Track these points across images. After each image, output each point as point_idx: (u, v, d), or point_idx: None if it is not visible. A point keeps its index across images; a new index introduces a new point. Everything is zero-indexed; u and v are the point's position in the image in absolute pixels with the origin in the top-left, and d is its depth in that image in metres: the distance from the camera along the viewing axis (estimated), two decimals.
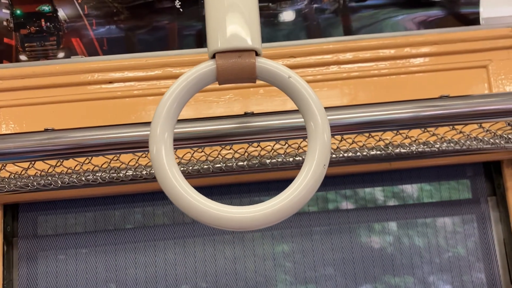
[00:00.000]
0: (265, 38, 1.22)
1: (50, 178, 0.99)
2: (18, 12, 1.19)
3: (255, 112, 1.18)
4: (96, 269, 1.21)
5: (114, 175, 1.00)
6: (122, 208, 1.24)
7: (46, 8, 1.19)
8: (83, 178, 1.01)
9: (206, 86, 0.57)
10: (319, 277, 1.21)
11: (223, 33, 0.55)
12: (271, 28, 1.22)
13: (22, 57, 1.19)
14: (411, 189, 1.26)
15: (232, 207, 0.53)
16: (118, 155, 0.95)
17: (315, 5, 1.21)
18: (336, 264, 1.21)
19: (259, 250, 1.21)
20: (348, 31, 1.22)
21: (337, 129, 0.81)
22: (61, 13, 1.19)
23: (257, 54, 0.57)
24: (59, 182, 1.00)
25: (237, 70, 0.55)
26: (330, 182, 1.25)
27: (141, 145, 0.79)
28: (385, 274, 1.21)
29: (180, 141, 0.79)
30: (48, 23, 1.19)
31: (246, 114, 0.80)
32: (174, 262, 1.21)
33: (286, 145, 0.98)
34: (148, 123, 0.79)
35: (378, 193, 1.25)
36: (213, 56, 0.56)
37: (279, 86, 0.57)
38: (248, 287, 1.20)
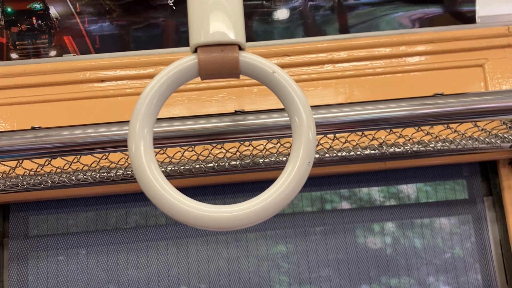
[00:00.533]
0: (260, 36, 1.21)
1: (39, 178, 0.98)
2: (9, 9, 1.17)
3: (249, 110, 1.17)
4: (88, 270, 1.19)
5: (104, 174, 0.99)
6: (115, 208, 1.23)
7: (37, 5, 1.17)
8: (73, 178, 0.99)
9: (191, 80, 0.55)
10: (315, 278, 1.20)
11: (206, 27, 0.53)
12: (265, 26, 1.21)
13: (13, 55, 1.18)
14: (406, 189, 1.25)
15: (214, 206, 0.51)
16: (107, 154, 0.93)
17: (310, 3, 1.20)
18: (332, 265, 1.20)
19: (255, 251, 1.20)
20: (344, 29, 1.21)
21: (329, 128, 0.79)
22: (53, 11, 1.18)
23: (240, 48, 0.55)
24: (49, 181, 0.99)
25: (219, 65, 0.53)
26: (324, 181, 1.24)
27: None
28: (381, 275, 1.20)
29: (169, 140, 0.78)
30: (40, 21, 1.18)
31: (236, 112, 0.78)
32: (168, 262, 1.20)
33: (278, 144, 0.97)
34: None
35: (373, 193, 1.24)
36: (195, 51, 0.55)
37: (263, 81, 0.56)
38: None
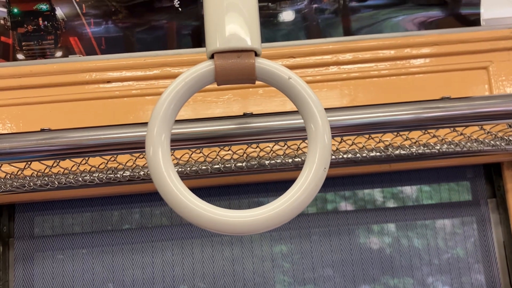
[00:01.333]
0: (265, 38, 1.21)
1: (46, 179, 0.98)
2: (16, 10, 1.18)
3: (254, 112, 1.18)
4: (93, 270, 1.20)
5: (111, 175, 1.00)
6: (120, 209, 1.23)
7: (44, 6, 1.18)
8: (80, 179, 1.00)
9: (205, 86, 0.56)
10: (318, 278, 1.20)
11: (222, 33, 0.54)
12: (270, 28, 1.21)
13: (19, 56, 1.18)
14: (410, 191, 1.25)
15: (231, 211, 0.52)
16: (115, 156, 0.94)
17: (315, 5, 1.20)
18: (335, 265, 1.21)
19: (258, 251, 1.21)
20: (348, 32, 1.22)
21: (337, 131, 0.80)
22: (59, 12, 1.18)
23: (256, 54, 0.56)
24: (56, 182, 0.99)
25: (236, 71, 0.54)
26: (329, 183, 1.25)
27: (138, 146, 0.78)
28: (384, 276, 1.21)
29: (178, 142, 0.78)
30: (46, 22, 1.18)
31: (245, 115, 0.79)
32: (172, 262, 1.20)
33: (285, 146, 0.97)
34: (145, 124, 0.78)
35: (377, 194, 1.25)
36: (212, 56, 0.55)
37: (279, 87, 0.56)
38: None
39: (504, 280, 1.20)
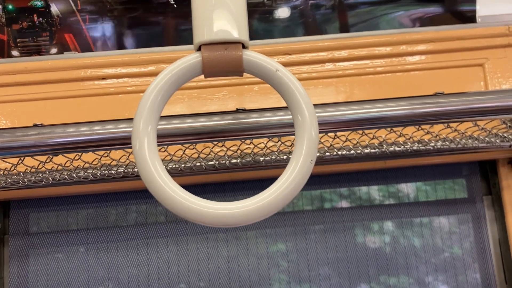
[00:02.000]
0: (261, 35, 1.21)
1: (40, 175, 0.98)
2: (10, 7, 1.17)
3: (250, 108, 1.18)
4: (88, 267, 1.20)
5: (105, 172, 0.99)
6: (116, 206, 1.23)
7: (38, 3, 1.17)
8: (74, 175, 0.99)
9: (193, 79, 0.56)
10: (314, 277, 1.20)
11: (210, 25, 0.54)
12: (266, 25, 1.21)
13: (14, 52, 1.18)
14: (406, 188, 1.25)
15: (217, 203, 0.52)
16: (108, 152, 0.94)
17: (310, 2, 1.20)
18: (331, 264, 1.20)
19: (254, 249, 1.20)
20: (344, 28, 1.21)
21: (330, 126, 0.80)
22: (54, 9, 1.18)
23: (244, 46, 0.56)
24: (50, 179, 0.99)
25: (223, 63, 0.53)
26: (325, 180, 1.25)
27: (130, 141, 0.77)
28: (380, 274, 1.21)
29: (171, 137, 0.78)
30: (41, 18, 1.18)
31: (238, 110, 0.79)
32: (168, 260, 1.20)
33: (279, 142, 0.97)
34: None
35: (373, 192, 1.24)
36: (199, 49, 0.55)
37: (266, 80, 0.56)
38: (242, 286, 1.19)
39: (499, 277, 1.20)
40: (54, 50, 1.19)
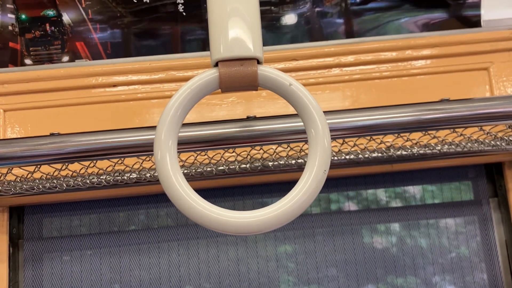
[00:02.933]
0: (268, 41, 1.23)
1: (55, 181, 1.00)
2: (23, 16, 1.20)
3: (257, 115, 1.19)
4: (100, 271, 1.22)
5: (118, 178, 1.02)
6: (127, 210, 1.25)
7: (50, 12, 1.20)
8: (88, 181, 1.02)
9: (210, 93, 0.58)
10: (322, 278, 1.22)
11: (226, 42, 0.56)
12: (273, 31, 1.23)
13: (27, 61, 1.21)
14: (413, 191, 1.27)
15: (235, 212, 0.54)
16: (122, 159, 0.96)
17: (317, 9, 1.22)
18: (339, 265, 1.22)
19: (262, 251, 1.22)
20: (350, 34, 1.23)
21: (339, 133, 0.82)
22: (66, 18, 1.20)
23: (258, 62, 0.58)
24: (64, 185, 1.02)
25: (239, 78, 0.56)
26: (333, 184, 1.26)
27: (145, 149, 0.80)
28: (388, 275, 1.22)
29: (184, 145, 0.80)
30: (53, 27, 1.20)
31: (248, 118, 0.81)
32: (177, 263, 1.22)
33: (288, 148, 0.99)
34: (151, 127, 0.80)
35: (380, 194, 1.26)
36: (216, 64, 0.57)
37: (281, 93, 0.58)
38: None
39: (506, 278, 1.22)
40: (65, 58, 1.22)
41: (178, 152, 0.87)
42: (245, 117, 0.82)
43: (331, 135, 0.80)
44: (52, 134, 0.81)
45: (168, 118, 0.54)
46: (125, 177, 1.02)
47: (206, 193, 1.24)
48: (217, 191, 1.25)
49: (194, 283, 1.21)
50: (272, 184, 1.24)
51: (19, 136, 1.18)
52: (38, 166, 0.92)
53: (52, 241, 1.23)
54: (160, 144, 0.53)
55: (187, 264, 1.22)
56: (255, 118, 0.81)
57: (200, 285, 1.21)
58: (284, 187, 1.24)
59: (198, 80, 0.57)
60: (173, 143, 0.54)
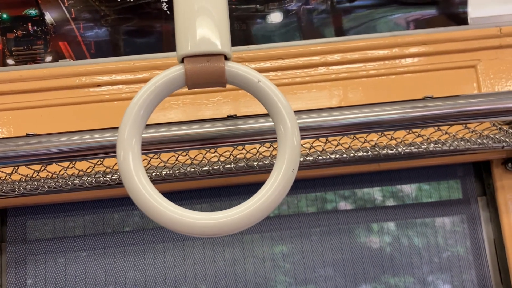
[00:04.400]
0: (253, 40, 1.22)
1: (36, 183, 0.99)
2: (5, 16, 1.18)
3: (244, 114, 1.18)
4: (86, 273, 1.20)
5: (100, 179, 1.00)
6: (113, 212, 1.24)
7: (32, 11, 1.18)
8: (70, 182, 1.00)
9: (176, 90, 0.56)
10: (318, 278, 1.21)
11: (192, 37, 0.54)
12: (258, 30, 1.21)
13: (9, 61, 1.19)
14: (401, 190, 1.26)
15: (200, 213, 0.52)
16: (101, 160, 0.94)
17: (303, 6, 1.21)
18: (335, 265, 1.21)
19: (258, 252, 1.21)
20: (338, 33, 1.22)
21: (321, 131, 0.80)
22: (48, 17, 1.19)
23: (226, 58, 0.56)
24: (46, 186, 1.00)
25: (206, 74, 0.54)
26: (321, 183, 1.25)
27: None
28: (382, 274, 1.21)
29: (163, 145, 0.79)
30: (35, 27, 1.19)
31: (229, 117, 0.79)
32: (173, 264, 1.21)
33: (272, 147, 0.98)
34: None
35: (368, 194, 1.25)
36: (182, 61, 0.56)
37: (249, 90, 0.57)
38: None
39: (495, 277, 1.21)
40: (49, 58, 1.20)
41: (157, 152, 0.86)
42: (225, 116, 0.81)
43: (312, 134, 0.79)
44: (28, 135, 0.79)
45: (131, 117, 0.53)
46: (107, 178, 1.00)
47: (191, 194, 1.23)
48: (202, 192, 1.23)
49: (189, 284, 1.20)
50: (259, 184, 1.22)
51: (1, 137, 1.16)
52: (16, 167, 0.91)
53: (36, 243, 1.21)
54: (123, 143, 0.51)
55: (183, 265, 1.21)
56: (236, 117, 0.80)
57: (196, 286, 1.20)
58: None
59: (163, 77, 0.55)
60: (137, 142, 0.53)
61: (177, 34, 0.56)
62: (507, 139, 1.01)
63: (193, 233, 0.51)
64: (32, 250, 1.21)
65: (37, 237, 1.22)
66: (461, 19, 1.23)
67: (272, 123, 0.79)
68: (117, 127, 0.79)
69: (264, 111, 1.16)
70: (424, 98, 0.81)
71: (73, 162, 0.93)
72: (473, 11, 1.23)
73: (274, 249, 1.22)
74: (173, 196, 1.23)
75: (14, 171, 0.93)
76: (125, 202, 1.24)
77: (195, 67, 0.54)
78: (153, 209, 0.51)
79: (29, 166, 0.89)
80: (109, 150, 0.77)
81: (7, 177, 0.96)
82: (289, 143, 0.52)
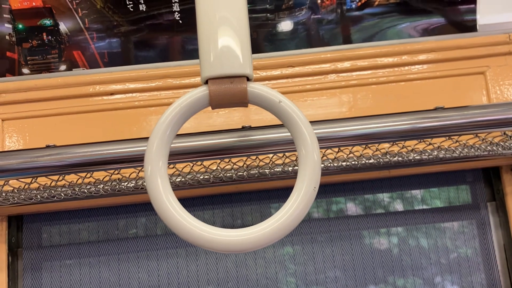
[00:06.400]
0: (264, 49, 1.23)
1: (53, 191, 1.01)
2: (20, 26, 1.21)
3: (254, 122, 1.20)
4: (100, 278, 1.22)
5: (116, 187, 1.02)
6: (125, 218, 1.26)
7: (47, 22, 1.20)
8: (86, 190, 1.02)
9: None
10: (324, 280, 1.22)
11: (216, 60, 0.56)
12: (269, 38, 1.23)
13: (25, 70, 1.21)
14: (411, 196, 1.27)
15: (224, 230, 0.54)
16: (119, 170, 0.96)
17: (313, 16, 1.22)
18: (341, 267, 1.22)
19: (263, 254, 1.23)
20: (347, 41, 1.23)
21: (334, 141, 0.82)
22: (62, 27, 1.21)
23: (248, 79, 0.58)
24: (62, 194, 1.02)
25: (229, 96, 0.56)
26: (330, 189, 1.27)
27: (140, 159, 0.80)
28: (388, 277, 1.22)
29: (179, 156, 0.80)
30: (50, 37, 1.21)
31: (243, 128, 0.81)
32: (185, 269, 1.23)
33: (284, 156, 0.99)
34: (146, 138, 0.80)
35: (378, 200, 1.26)
36: (206, 82, 0.58)
37: (270, 110, 0.59)
38: None
39: (505, 282, 1.22)
40: (63, 67, 1.22)
41: (173, 163, 0.87)
42: (241, 125, 0.83)
43: (325, 144, 0.81)
44: (48, 146, 0.81)
45: (157, 137, 0.54)
46: (123, 186, 1.02)
47: (203, 201, 1.25)
48: (214, 198, 1.25)
49: (194, 286, 1.21)
50: (270, 191, 1.25)
51: (17, 146, 1.18)
52: (35, 177, 0.93)
53: (51, 249, 1.23)
54: (151, 164, 0.53)
55: (187, 270, 1.22)
56: (250, 128, 0.81)
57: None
58: (282, 193, 1.24)
59: (188, 98, 0.57)
60: (164, 163, 0.55)
61: (200, 55, 0.57)
62: None
63: (218, 250, 0.53)
64: (48, 256, 1.23)
65: (52, 243, 1.24)
66: (469, 27, 1.23)
67: (286, 133, 0.81)
68: (135, 139, 0.81)
69: (276, 121, 1.18)
70: (436, 109, 0.83)
71: (91, 172, 0.95)
72: (481, 18, 1.24)
73: (284, 253, 1.23)
74: (185, 202, 1.23)
75: (33, 181, 0.95)
76: (138, 208, 1.26)
77: (218, 89, 0.55)
78: (182, 228, 0.52)
79: (48, 177, 0.91)
80: (127, 160, 0.79)
81: (26, 186, 0.98)
82: (310, 162, 0.54)
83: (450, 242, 1.24)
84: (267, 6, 1.21)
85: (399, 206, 1.27)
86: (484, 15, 1.24)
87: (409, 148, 1.01)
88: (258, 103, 0.58)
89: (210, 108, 1.23)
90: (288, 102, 0.57)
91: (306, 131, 0.55)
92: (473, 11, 1.23)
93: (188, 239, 0.53)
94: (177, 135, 0.81)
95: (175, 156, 0.80)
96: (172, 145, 0.80)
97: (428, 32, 1.24)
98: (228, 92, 0.55)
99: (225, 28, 0.56)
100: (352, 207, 1.26)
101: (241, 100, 0.56)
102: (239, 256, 1.23)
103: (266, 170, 1.03)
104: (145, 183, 1.01)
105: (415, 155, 1.03)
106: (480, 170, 1.26)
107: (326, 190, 1.26)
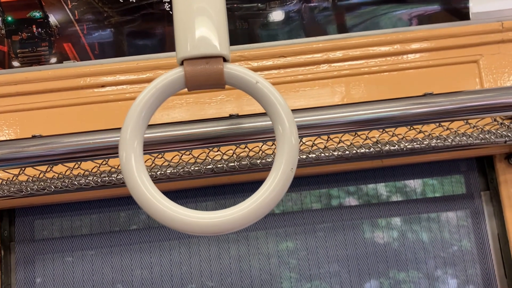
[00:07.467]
0: (255, 39, 1.22)
1: (42, 183, 1.00)
2: (9, 18, 1.20)
3: (247, 112, 1.19)
4: (92, 271, 1.22)
5: (106, 178, 1.01)
6: (119, 211, 1.25)
7: (37, 14, 1.20)
8: (76, 182, 1.02)
9: (177, 92, 0.57)
10: (324, 274, 1.21)
11: (191, 40, 0.55)
12: (260, 28, 1.22)
13: (15, 63, 1.21)
14: (404, 186, 1.26)
15: (201, 212, 0.54)
16: (106, 160, 0.96)
17: (305, 4, 1.22)
18: (341, 261, 1.22)
19: (264, 248, 1.22)
20: (341, 30, 1.22)
21: (322, 129, 0.81)
22: (52, 19, 1.20)
23: (225, 60, 0.57)
24: (52, 187, 1.02)
25: (205, 77, 0.55)
26: (323, 180, 1.26)
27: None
28: (383, 269, 1.22)
29: (166, 145, 0.80)
30: (40, 29, 1.20)
31: (231, 116, 0.80)
32: (179, 262, 1.22)
33: (273, 145, 0.99)
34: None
35: (372, 190, 1.26)
36: (182, 63, 0.57)
37: (247, 91, 0.58)
38: (253, 285, 1.21)
39: (499, 271, 1.21)
40: (53, 60, 1.21)
41: (161, 152, 0.87)
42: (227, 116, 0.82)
43: (314, 132, 0.80)
44: (34, 136, 0.81)
45: (133, 118, 0.54)
46: (113, 178, 1.01)
47: (196, 193, 1.24)
48: (207, 189, 1.24)
49: (196, 281, 1.21)
50: (263, 181, 1.24)
51: (7, 139, 1.18)
52: (22, 168, 0.92)
53: (43, 243, 1.23)
54: (126, 145, 0.52)
55: (189, 262, 1.22)
56: (238, 116, 0.80)
57: (202, 283, 1.21)
58: None
59: (163, 79, 0.56)
60: (139, 143, 0.54)
61: (176, 37, 0.57)
62: (509, 134, 1.01)
63: (194, 232, 0.52)
64: (40, 249, 1.22)
65: (45, 236, 1.23)
66: (462, 14, 1.23)
67: None
68: (121, 128, 0.80)
69: None
70: (425, 95, 0.82)
71: (79, 163, 0.94)
72: (474, 6, 1.23)
73: (279, 246, 1.23)
74: (178, 194, 1.24)
75: (21, 172, 0.94)
76: (131, 201, 1.24)
77: (194, 70, 0.55)
78: (155, 209, 0.52)
79: (35, 167, 0.90)
80: (114, 150, 0.78)
81: (15, 178, 0.98)
82: (287, 142, 0.53)
83: (444, 232, 1.24)
84: None
85: (393, 196, 1.26)
86: (477, 3, 1.23)
87: (400, 137, 1.00)
88: (235, 84, 0.57)
89: (201, 99, 1.22)
90: (265, 83, 0.56)
91: (283, 112, 0.54)
92: None
93: (164, 221, 0.52)
94: (164, 124, 0.81)
95: (163, 145, 0.80)
96: (159, 134, 0.80)
97: (421, 19, 1.23)
98: (204, 73, 0.55)
99: (201, 7, 0.55)
100: (346, 198, 1.26)
101: (218, 81, 0.56)
102: (232, 248, 1.22)
103: (257, 161, 1.02)
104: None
105: (406, 143, 1.02)
106: (474, 159, 1.26)
107: (319, 180, 1.26)
